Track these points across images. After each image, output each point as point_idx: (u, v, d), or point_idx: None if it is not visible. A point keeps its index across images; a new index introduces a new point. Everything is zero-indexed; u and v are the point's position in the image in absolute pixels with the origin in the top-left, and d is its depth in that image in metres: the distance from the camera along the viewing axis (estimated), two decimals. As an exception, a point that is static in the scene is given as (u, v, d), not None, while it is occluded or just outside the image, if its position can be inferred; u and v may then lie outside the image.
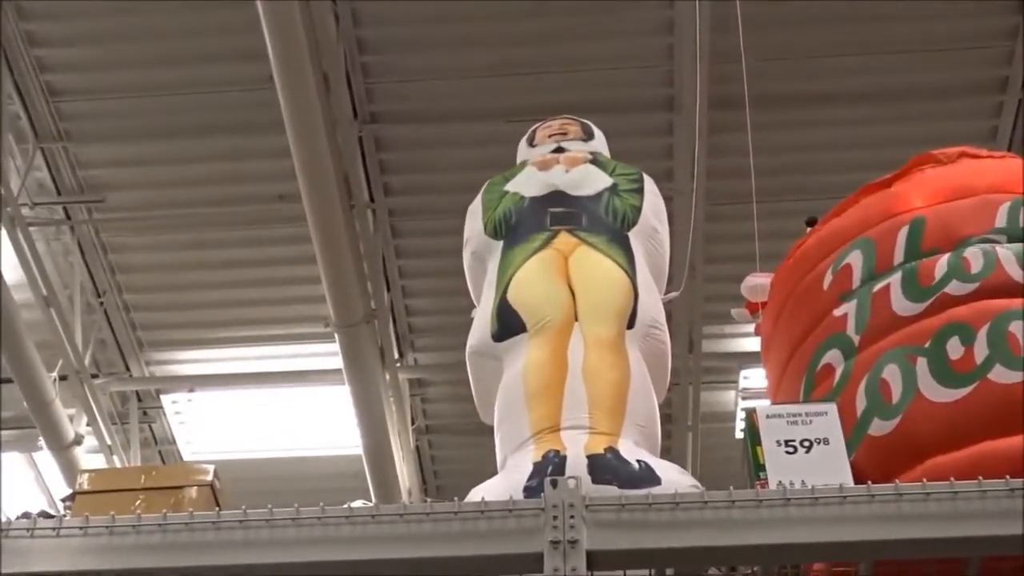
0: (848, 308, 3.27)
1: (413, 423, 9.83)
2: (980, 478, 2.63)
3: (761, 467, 2.84)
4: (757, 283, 4.04)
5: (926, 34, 7.91)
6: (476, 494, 3.13)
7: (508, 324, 3.70)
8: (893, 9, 7.74)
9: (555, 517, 2.65)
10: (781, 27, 7.71)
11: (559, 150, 4.30)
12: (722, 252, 8.43)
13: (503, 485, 3.21)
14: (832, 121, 8.18)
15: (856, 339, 3.20)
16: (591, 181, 4.09)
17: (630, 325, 3.66)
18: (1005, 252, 3.14)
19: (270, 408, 9.57)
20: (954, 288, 3.11)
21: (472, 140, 8.24)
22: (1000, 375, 2.89)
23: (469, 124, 8.30)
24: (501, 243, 3.97)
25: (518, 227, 3.98)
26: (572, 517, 2.65)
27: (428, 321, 9.46)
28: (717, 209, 8.27)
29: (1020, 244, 3.17)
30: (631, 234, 3.94)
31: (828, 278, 3.40)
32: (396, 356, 9.29)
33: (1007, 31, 7.96)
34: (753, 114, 7.24)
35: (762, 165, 7.92)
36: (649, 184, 4.19)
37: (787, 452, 2.84)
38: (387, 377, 8.88)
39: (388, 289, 9.02)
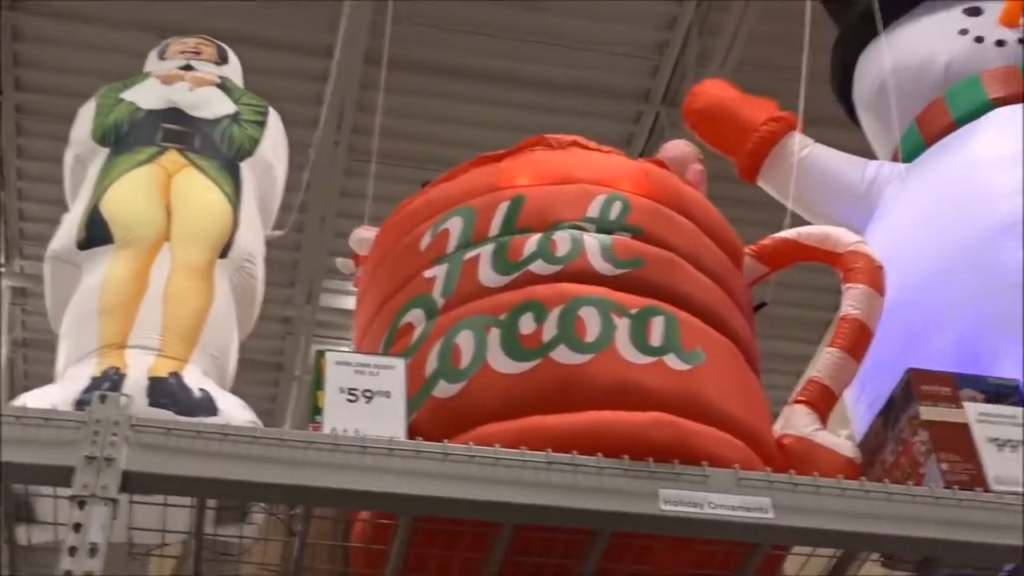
0: (439, 271, 3.30)
1: (10, 332, 9.33)
2: (523, 448, 2.72)
3: (319, 411, 2.83)
4: (364, 236, 4.05)
5: (584, 32, 8.18)
6: (25, 399, 2.99)
7: (95, 233, 3.56)
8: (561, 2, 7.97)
9: (96, 432, 2.54)
10: (450, -1, 7.80)
11: (188, 68, 4.17)
12: (358, 209, 8.41)
13: (56, 395, 3.08)
14: (479, 98, 8.33)
15: (440, 302, 3.23)
16: (212, 104, 3.99)
17: (223, 255, 3.59)
18: (592, 241, 3.25)
19: None
20: (538, 267, 3.19)
21: (121, 50, 7.84)
22: (562, 355, 2.99)
23: (121, 33, 7.93)
24: (107, 151, 3.81)
25: (127, 137, 3.83)
26: (115, 435, 2.55)
27: (42, 229, 8.91)
28: (358, 165, 8.26)
29: (608, 236, 3.29)
30: (244, 164, 3.87)
31: (426, 239, 3.42)
32: (1, 260, 8.78)
33: (656, 45, 8.35)
34: (404, 78, 7.30)
35: (404, 129, 8.03)
36: (274, 119, 4.13)
37: (348, 400, 2.83)
38: (-14, 280, 8.39)
39: (2, 188, 8.51)
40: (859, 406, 4.00)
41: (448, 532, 2.83)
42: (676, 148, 3.69)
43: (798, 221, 4.46)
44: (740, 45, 8.13)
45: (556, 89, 8.38)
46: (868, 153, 5.05)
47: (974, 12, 4.89)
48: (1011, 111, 4.47)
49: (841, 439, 3.14)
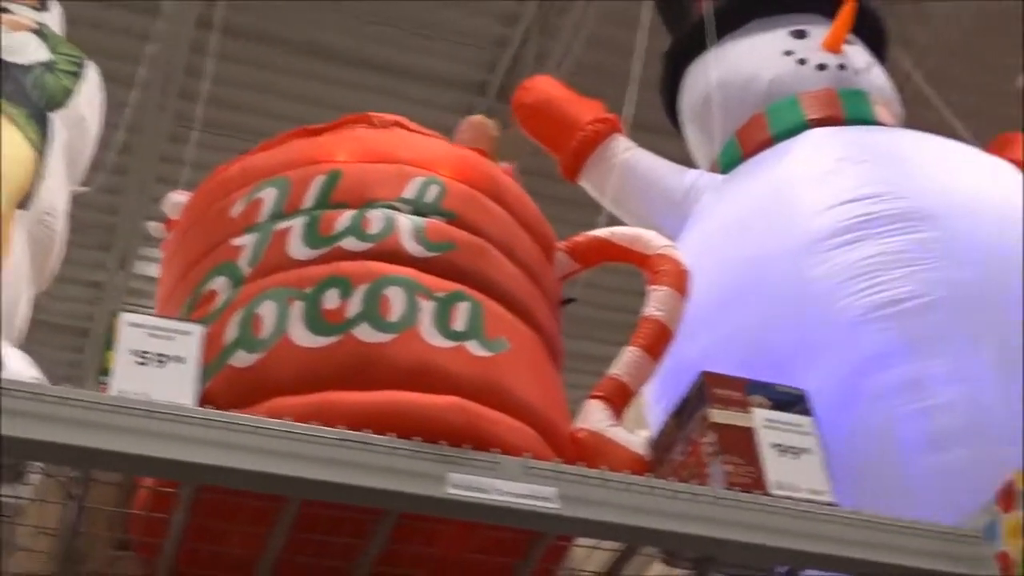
0: (248, 240, 3.25)
1: None
2: (317, 423, 2.69)
3: (107, 372, 2.75)
4: (178, 201, 3.96)
5: (425, 18, 8.15)
6: None
7: None
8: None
9: None
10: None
11: (3, 11, 4.02)
12: (179, 175, 8.23)
13: None
14: (312, 75, 8.23)
15: (246, 271, 3.18)
16: (26, 50, 3.84)
17: (23, 206, 3.46)
18: (405, 222, 3.24)
19: None
20: (349, 244, 3.16)
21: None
22: (364, 333, 2.97)
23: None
24: (-93, 90, 3.64)
25: (-70, 77, 3.66)
26: None
27: None
28: (183, 132, 8.08)
29: (422, 218, 3.28)
30: (55, 116, 3.74)
31: (238, 207, 3.36)
32: None
33: (496, 39, 8.37)
34: (236, 46, 7.16)
35: (232, 99, 7.89)
36: (91, 73, 4.01)
37: (139, 363, 2.75)
38: None
39: None
40: (659, 407, 4.08)
41: (233, 504, 2.78)
42: (474, 120, 3.73)
43: (615, 222, 4.53)
44: (578, 48, 8.21)
45: (391, 72, 8.34)
46: (691, 163, 5.16)
47: (800, 35, 5.05)
48: (825, 132, 4.62)
49: (633, 436, 3.19)
